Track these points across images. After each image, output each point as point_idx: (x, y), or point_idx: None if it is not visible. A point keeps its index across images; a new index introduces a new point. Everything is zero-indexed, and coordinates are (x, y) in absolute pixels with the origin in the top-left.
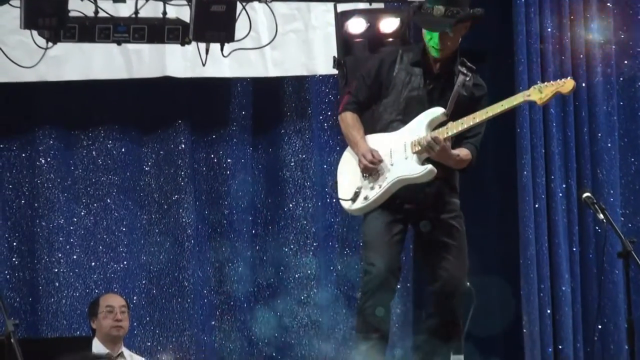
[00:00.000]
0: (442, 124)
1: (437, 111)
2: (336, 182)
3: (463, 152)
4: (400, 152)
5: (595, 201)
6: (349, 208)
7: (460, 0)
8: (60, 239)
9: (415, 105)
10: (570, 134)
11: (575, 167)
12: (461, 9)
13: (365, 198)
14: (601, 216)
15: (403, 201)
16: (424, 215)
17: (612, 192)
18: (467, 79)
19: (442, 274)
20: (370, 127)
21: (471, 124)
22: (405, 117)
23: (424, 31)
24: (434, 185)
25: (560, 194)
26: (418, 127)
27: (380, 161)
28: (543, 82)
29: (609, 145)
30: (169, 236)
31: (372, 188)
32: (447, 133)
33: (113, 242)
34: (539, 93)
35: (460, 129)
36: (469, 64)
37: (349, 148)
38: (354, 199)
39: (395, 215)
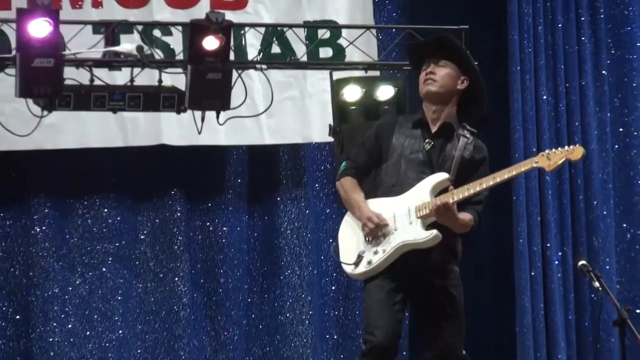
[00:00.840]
0: (446, 189)
1: (441, 176)
2: (337, 246)
3: (467, 217)
4: (404, 216)
5: (590, 269)
6: (352, 272)
7: (450, 37)
8: (55, 307)
9: (415, 168)
10: (566, 202)
11: (570, 235)
12: (451, 40)
13: (369, 262)
14: (597, 284)
15: (404, 268)
16: (424, 282)
17: (607, 260)
18: (469, 141)
19: (439, 342)
20: (371, 192)
21: (477, 189)
22: (406, 179)
23: (418, 73)
24: (436, 251)
25: (556, 262)
26: (422, 192)
27: (386, 225)
28: (538, 149)
29: (605, 213)
30: (165, 305)
31: (375, 252)
32: (454, 198)
33: (108, 311)
34: (547, 160)
35: (466, 194)
36: (469, 127)
37: (349, 213)
38: (357, 263)
39: (396, 282)
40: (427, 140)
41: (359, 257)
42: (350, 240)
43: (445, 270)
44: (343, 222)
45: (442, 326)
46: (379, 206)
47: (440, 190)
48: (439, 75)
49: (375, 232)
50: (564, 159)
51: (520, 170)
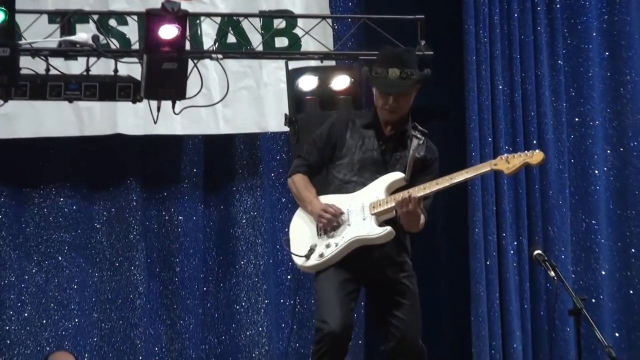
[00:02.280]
0: (400, 189)
1: (396, 175)
2: (288, 239)
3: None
4: (357, 212)
5: (546, 258)
6: (303, 265)
7: (412, 62)
8: (12, 296)
9: (369, 167)
10: (522, 191)
11: (526, 224)
12: (414, 71)
13: (321, 255)
14: (552, 273)
15: (356, 261)
16: (378, 274)
17: (563, 249)
18: (420, 142)
19: (395, 333)
20: (323, 189)
21: (434, 189)
22: (359, 178)
23: (377, 95)
24: (386, 245)
25: (512, 251)
26: (377, 190)
27: (342, 213)
28: (494, 139)
29: (560, 202)
30: (121, 293)
31: (327, 246)
32: (416, 193)
33: (64, 299)
34: (506, 163)
35: (422, 193)
36: (420, 127)
37: (300, 208)
38: (308, 255)
39: (348, 274)
40: (380, 141)
41: (311, 250)
42: (302, 234)
43: (398, 262)
44: (295, 216)
45: (398, 317)
46: (332, 202)
47: (394, 190)
48: (401, 107)
49: (331, 222)
50: (523, 162)
51: (478, 172)
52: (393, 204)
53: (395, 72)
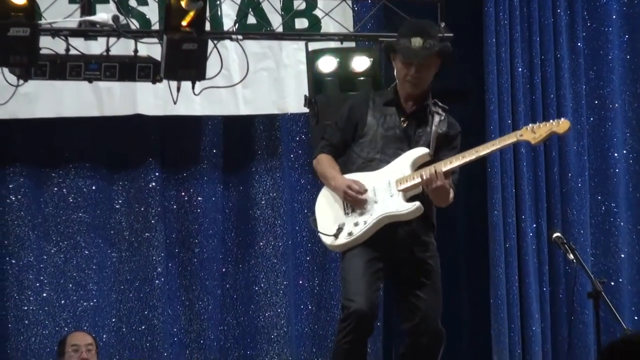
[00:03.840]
0: (425, 164)
1: (421, 150)
2: (315, 219)
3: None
4: (384, 189)
5: (565, 241)
6: (332, 244)
7: (435, 34)
8: (30, 276)
9: (392, 144)
10: (541, 174)
11: (545, 207)
12: (436, 42)
13: (350, 234)
14: (571, 256)
15: (383, 239)
16: (404, 253)
17: (582, 232)
18: (442, 118)
19: (417, 313)
20: (347, 168)
21: (461, 161)
22: (383, 155)
23: (399, 67)
24: (414, 222)
25: (531, 234)
26: (402, 166)
27: (365, 190)
28: (513, 121)
29: (579, 185)
30: (139, 274)
31: (356, 224)
32: (443, 167)
33: (83, 280)
34: (532, 133)
35: (447, 167)
36: (441, 104)
37: (324, 188)
38: (336, 234)
39: (374, 253)
40: (402, 118)
41: (339, 229)
42: (328, 212)
43: (425, 242)
44: (320, 196)
45: (421, 297)
46: (357, 180)
47: (420, 165)
48: (423, 78)
49: (357, 199)
50: (549, 132)
51: (505, 143)
52: (419, 179)
53: (418, 41)
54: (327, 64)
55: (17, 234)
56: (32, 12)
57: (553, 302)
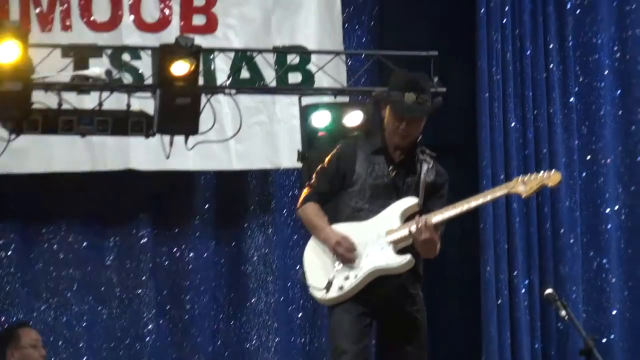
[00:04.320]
0: (414, 214)
1: (410, 201)
2: (304, 272)
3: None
4: (374, 241)
5: (557, 297)
6: (323, 297)
7: (427, 88)
8: None
9: (381, 193)
10: (533, 230)
11: (537, 263)
12: (428, 97)
13: (341, 288)
14: (563, 313)
15: (374, 292)
16: (393, 307)
17: (574, 288)
18: (430, 166)
19: None
20: (335, 218)
21: (452, 213)
22: (371, 205)
23: (390, 119)
24: (401, 275)
25: (523, 290)
26: (391, 217)
27: (355, 249)
28: (506, 177)
29: (572, 241)
30: (130, 331)
31: (346, 278)
32: (433, 220)
33: (73, 337)
34: (523, 185)
35: (438, 219)
36: (428, 150)
37: (313, 237)
38: (327, 288)
39: (363, 308)
40: (390, 167)
41: (329, 282)
42: (317, 265)
43: (412, 294)
44: (308, 247)
45: (407, 351)
46: (346, 231)
47: (409, 216)
48: (413, 132)
49: (346, 255)
50: (540, 184)
51: (496, 195)
52: (409, 232)
53: (411, 96)
54: (321, 119)
55: (7, 290)
56: (25, 66)
57: (545, 359)
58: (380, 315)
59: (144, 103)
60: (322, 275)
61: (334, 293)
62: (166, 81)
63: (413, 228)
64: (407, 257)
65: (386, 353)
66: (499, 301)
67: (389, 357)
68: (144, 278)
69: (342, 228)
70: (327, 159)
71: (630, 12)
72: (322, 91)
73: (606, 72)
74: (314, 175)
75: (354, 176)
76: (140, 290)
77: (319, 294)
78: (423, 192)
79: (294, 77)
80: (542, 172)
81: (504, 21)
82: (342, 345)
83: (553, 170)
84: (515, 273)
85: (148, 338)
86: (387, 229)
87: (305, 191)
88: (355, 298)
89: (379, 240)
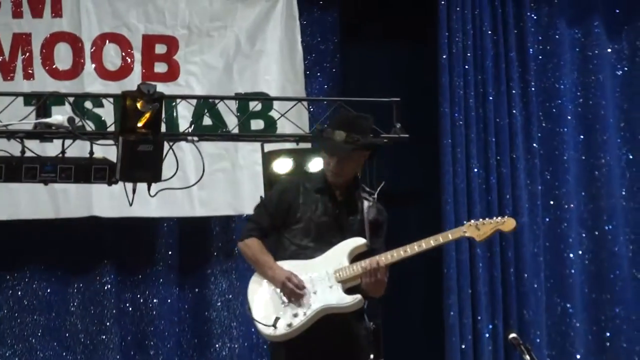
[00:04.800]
0: (362, 254)
1: (358, 241)
2: (249, 308)
3: None
4: (322, 280)
5: (521, 342)
6: (271, 334)
7: (362, 128)
8: None
9: (326, 232)
10: (497, 275)
11: (501, 308)
12: (362, 137)
13: (289, 325)
14: (527, 357)
15: (315, 331)
16: (336, 348)
17: (538, 332)
18: (370, 204)
19: None
20: (277, 254)
21: (403, 255)
22: (316, 243)
23: (324, 156)
24: (347, 314)
25: (487, 335)
26: (339, 256)
27: (304, 287)
28: (494, 217)
29: (535, 286)
30: None
31: (295, 315)
32: (385, 260)
33: None
34: (477, 230)
35: (390, 261)
36: (367, 189)
37: (256, 274)
38: (274, 324)
39: (307, 347)
40: (333, 206)
41: (277, 319)
42: (263, 301)
43: (357, 334)
44: (252, 282)
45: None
46: (292, 268)
47: (356, 255)
48: (345, 170)
49: (295, 293)
50: (494, 229)
51: (448, 238)
52: (360, 272)
53: (341, 134)
54: (283, 165)
55: None
56: None
57: None
58: (324, 355)
59: (107, 150)
60: (269, 311)
61: (282, 330)
62: (129, 129)
63: (367, 268)
64: (358, 297)
65: None
66: (463, 346)
67: None
68: (108, 324)
69: (288, 265)
70: (268, 195)
71: (592, 57)
72: (284, 137)
73: (569, 117)
74: (255, 210)
75: (299, 213)
76: (104, 336)
77: (266, 330)
78: (369, 231)
79: (257, 124)
80: (495, 217)
81: (466, 67)
82: None
83: (507, 217)
84: (479, 317)
85: None
86: (335, 267)
87: (247, 225)
88: (300, 336)
89: (327, 278)
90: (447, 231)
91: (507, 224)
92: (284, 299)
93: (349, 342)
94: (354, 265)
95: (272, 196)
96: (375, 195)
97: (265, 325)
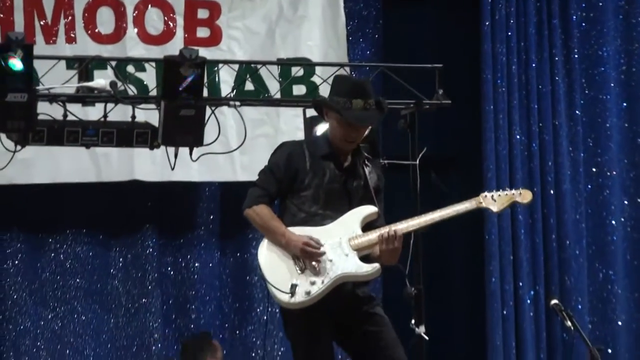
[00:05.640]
0: (373, 222)
1: (370, 209)
2: (263, 276)
3: None
4: (336, 247)
5: (563, 308)
6: (288, 301)
7: (372, 93)
8: (27, 342)
9: (335, 199)
10: (539, 241)
11: (543, 274)
12: (373, 100)
13: (307, 293)
14: (569, 323)
15: (331, 299)
16: (356, 311)
17: (579, 299)
18: (370, 170)
19: None
20: (285, 221)
21: (417, 224)
22: (325, 210)
23: (335, 125)
24: (360, 282)
25: (528, 301)
26: (352, 224)
27: (324, 252)
28: (511, 188)
29: (577, 252)
30: (136, 340)
31: (312, 283)
32: (403, 229)
33: (80, 345)
34: (493, 201)
35: (406, 230)
36: (366, 154)
37: (266, 242)
38: (292, 292)
39: (326, 316)
40: (340, 172)
41: (293, 286)
42: (278, 268)
43: (371, 297)
44: (263, 250)
45: (386, 348)
46: (303, 234)
47: (367, 223)
48: (360, 137)
49: (316, 254)
50: (511, 201)
51: (464, 209)
52: (376, 240)
53: (359, 103)
54: (325, 130)
55: (14, 299)
56: (30, 78)
57: None
58: (345, 321)
59: (149, 115)
60: (285, 278)
61: (300, 297)
62: (171, 93)
63: (383, 236)
64: (376, 266)
65: (365, 356)
66: (504, 312)
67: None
68: (149, 288)
69: (300, 232)
70: (273, 159)
71: (636, 25)
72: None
73: (612, 84)
74: (261, 175)
75: (306, 179)
76: (145, 300)
77: (284, 297)
78: (375, 197)
79: (299, 89)
80: (512, 189)
81: (509, 33)
82: None
83: (524, 189)
84: (520, 284)
85: (154, 347)
86: (349, 235)
87: (253, 191)
88: (314, 309)
89: (341, 246)
90: (462, 202)
91: (524, 195)
92: (299, 266)
93: (369, 304)
94: (369, 234)
95: (278, 161)
96: (381, 161)
97: (281, 292)
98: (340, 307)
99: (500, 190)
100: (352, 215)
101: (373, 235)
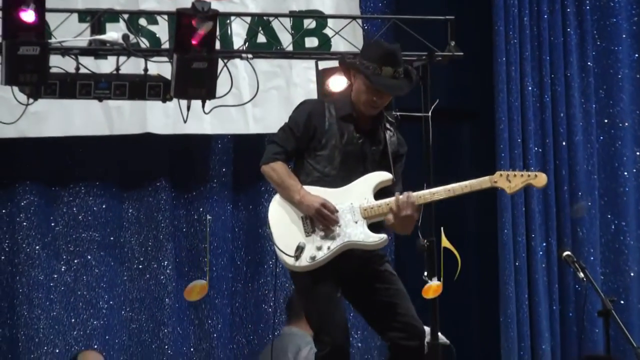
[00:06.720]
0: (386, 188)
1: (385, 176)
2: (271, 234)
3: None
4: (347, 213)
5: (575, 260)
6: (293, 264)
7: (402, 60)
8: (40, 295)
9: (350, 161)
10: (551, 193)
11: (555, 226)
12: (402, 67)
13: (313, 258)
14: (581, 275)
15: (339, 261)
16: (365, 269)
17: (592, 250)
18: (392, 135)
19: (399, 318)
20: (300, 179)
21: (430, 198)
22: (340, 172)
23: (362, 89)
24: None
25: (541, 252)
26: (365, 190)
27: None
28: (523, 140)
29: (589, 203)
30: (149, 292)
31: (319, 248)
32: (419, 200)
33: (93, 298)
34: (507, 182)
35: (423, 200)
36: (390, 118)
37: (278, 198)
38: (297, 255)
39: (334, 275)
40: (359, 135)
41: (299, 249)
42: (285, 228)
43: (380, 254)
44: (274, 206)
45: (397, 304)
46: (317, 194)
47: (380, 189)
48: (385, 103)
49: (331, 219)
50: (525, 183)
51: (478, 187)
52: (387, 210)
53: (389, 71)
54: (337, 83)
55: (27, 252)
56: (42, 30)
57: (563, 320)
58: (352, 279)
59: (161, 67)
60: (292, 240)
61: (304, 262)
62: (183, 46)
63: (393, 203)
64: (384, 237)
65: (371, 311)
66: (517, 263)
67: (381, 316)
68: (162, 240)
69: (313, 191)
70: (293, 117)
71: None
72: (338, 55)
73: (624, 35)
74: (279, 132)
75: (324, 139)
76: (158, 253)
77: (288, 260)
78: (392, 164)
79: (311, 42)
80: (527, 172)
81: None
82: (326, 325)
83: (539, 172)
84: (533, 235)
85: (167, 299)
86: (360, 201)
87: (271, 147)
88: (324, 268)
89: (352, 213)
90: (477, 179)
91: (539, 179)
92: (308, 227)
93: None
94: (381, 202)
95: (298, 119)
96: (394, 112)
97: (287, 254)
98: (349, 266)
99: (517, 170)
100: (366, 181)
101: (384, 202)
